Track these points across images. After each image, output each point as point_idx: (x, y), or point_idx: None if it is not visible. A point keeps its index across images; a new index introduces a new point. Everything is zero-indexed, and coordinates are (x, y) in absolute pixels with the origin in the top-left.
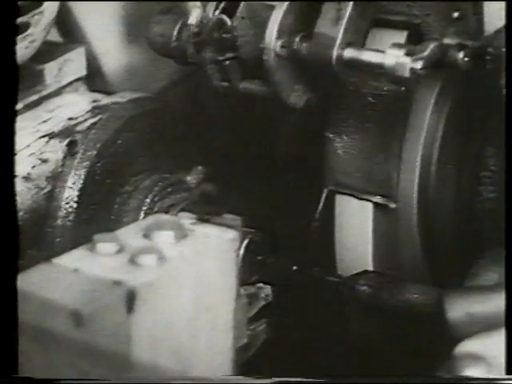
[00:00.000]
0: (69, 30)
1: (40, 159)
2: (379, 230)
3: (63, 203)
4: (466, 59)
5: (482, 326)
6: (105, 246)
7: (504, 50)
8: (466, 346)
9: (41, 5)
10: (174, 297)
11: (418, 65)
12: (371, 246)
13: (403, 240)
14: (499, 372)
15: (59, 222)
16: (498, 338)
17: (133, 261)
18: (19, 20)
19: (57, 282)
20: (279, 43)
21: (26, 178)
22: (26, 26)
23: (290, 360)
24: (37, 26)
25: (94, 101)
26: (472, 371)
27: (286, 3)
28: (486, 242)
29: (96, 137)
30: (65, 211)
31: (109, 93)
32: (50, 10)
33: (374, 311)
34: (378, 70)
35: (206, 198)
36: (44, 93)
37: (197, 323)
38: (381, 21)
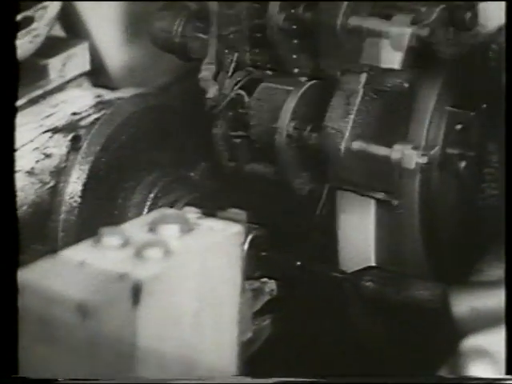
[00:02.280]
0: (72, 26)
1: (44, 154)
2: (381, 226)
3: (67, 198)
4: (467, 168)
5: (487, 321)
6: (110, 239)
7: (504, 46)
8: (471, 341)
9: (44, 0)
10: (179, 290)
11: (424, 160)
12: (374, 242)
13: (405, 236)
14: (503, 367)
15: (63, 216)
16: (503, 333)
17: (138, 254)
18: (23, 15)
19: (63, 274)
20: (292, 125)
21: (30, 173)
22: (30, 20)
23: (294, 354)
24: (40, 20)
25: (98, 96)
26: (477, 366)
27: (303, 89)
28: (489, 238)
29: (100, 132)
30: (68, 206)
31: (112, 88)
32: (53, 5)
33: (377, 307)
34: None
35: (210, 193)
36: (48, 88)
37: (202, 316)
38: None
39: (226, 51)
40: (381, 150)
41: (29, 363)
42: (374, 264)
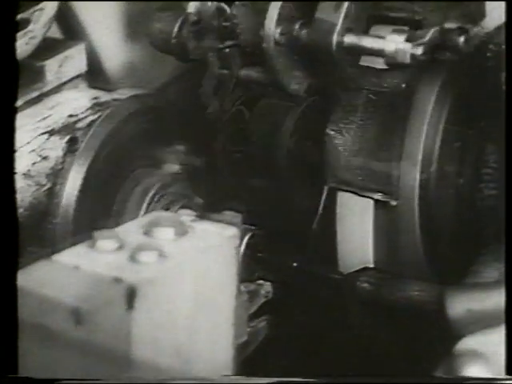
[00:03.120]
0: (69, 27)
1: (40, 156)
2: (380, 227)
3: (64, 200)
4: (468, 42)
5: (483, 323)
6: (105, 242)
7: (504, 46)
8: (467, 343)
9: (41, 1)
10: (174, 293)
11: (419, 50)
12: (372, 243)
13: (404, 237)
14: (499, 369)
15: (59, 219)
16: (499, 335)
17: (133, 257)
18: (20, 16)
19: (57, 278)
20: (279, 30)
21: (26, 175)
22: (27, 22)
23: (290, 357)
24: (37, 22)
25: (95, 98)
26: (472, 368)
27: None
28: (487, 239)
29: (96, 134)
30: (65, 208)
31: (109, 89)
32: (50, 6)
33: (374, 308)
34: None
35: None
36: (44, 89)
37: (197, 320)
38: (381, 17)
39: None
40: (374, 43)
41: (28, 364)
42: (371, 265)
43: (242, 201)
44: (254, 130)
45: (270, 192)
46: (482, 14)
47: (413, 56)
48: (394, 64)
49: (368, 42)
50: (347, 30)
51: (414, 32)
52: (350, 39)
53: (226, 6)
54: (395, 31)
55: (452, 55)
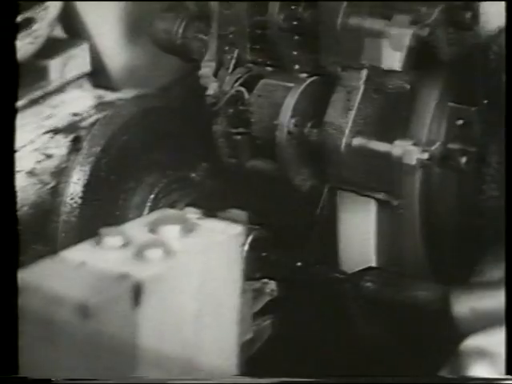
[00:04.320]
0: (73, 27)
1: (44, 155)
2: (382, 226)
3: (68, 198)
4: (469, 163)
5: (487, 322)
6: (111, 239)
7: (504, 49)
8: (471, 342)
9: (45, 1)
10: (180, 290)
11: (425, 156)
12: (374, 243)
13: (406, 236)
14: (503, 367)
15: (63, 217)
16: (503, 334)
17: (139, 254)
18: (24, 16)
19: (63, 275)
20: (293, 121)
21: (31, 174)
22: (31, 21)
23: (294, 355)
24: (41, 22)
25: (98, 97)
26: (477, 367)
27: (303, 85)
28: (490, 238)
29: (100, 133)
30: (69, 207)
31: (113, 89)
32: (54, 6)
33: (378, 307)
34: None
35: (210, 194)
36: (48, 89)
37: (202, 317)
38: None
39: (226, 48)
40: (381, 146)
41: (29, 363)
42: (374, 264)
43: (246, 194)
44: (253, 111)
45: (270, 176)
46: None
47: (419, 160)
48: (400, 165)
49: (375, 145)
50: (356, 132)
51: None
52: (358, 142)
53: (245, 91)
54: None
55: (452, 169)
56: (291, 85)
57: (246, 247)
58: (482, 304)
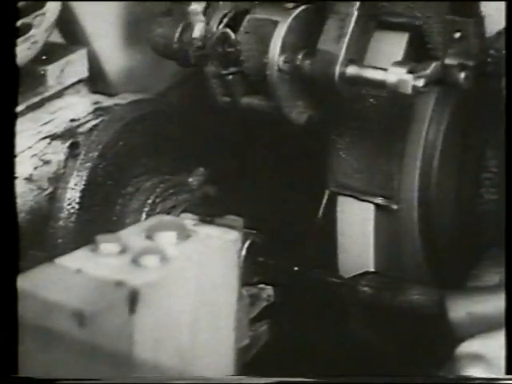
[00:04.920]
0: (71, 32)
1: (42, 160)
2: (381, 231)
3: (65, 204)
4: (467, 79)
5: (483, 327)
6: (107, 246)
7: (504, 52)
8: (468, 347)
9: (43, 6)
10: (176, 297)
11: (420, 82)
12: (372, 247)
13: (404, 241)
14: (500, 372)
15: (61, 223)
16: (499, 339)
17: (135, 261)
18: (21, 21)
19: (59, 282)
20: (282, 58)
21: (28, 179)
22: (28, 27)
23: (291, 361)
24: (39, 27)
25: (96, 102)
26: (473, 371)
27: (290, 19)
28: (487, 243)
29: (98, 138)
30: (67, 212)
31: (110, 94)
32: (51, 11)
33: (375, 312)
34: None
35: (207, 200)
36: (46, 94)
37: (199, 324)
38: (382, 23)
39: None
40: (376, 74)
41: (27, 369)
42: (371, 269)
43: (243, 204)
44: (242, 49)
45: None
46: (483, 51)
47: (414, 87)
48: (395, 93)
49: (370, 73)
50: (349, 61)
51: (415, 64)
52: (352, 70)
53: (231, 32)
54: (397, 63)
55: (450, 86)
56: (278, 19)
57: (243, 253)
58: (479, 308)
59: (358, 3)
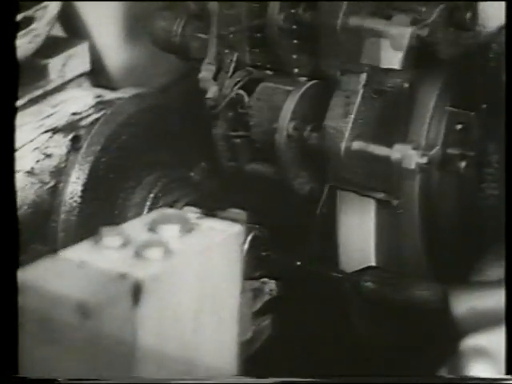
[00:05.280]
0: (72, 26)
1: (44, 154)
2: (382, 226)
3: (67, 198)
4: (468, 168)
5: (487, 321)
6: (111, 239)
7: (504, 48)
8: (471, 341)
9: (44, 0)
10: (179, 290)
11: (424, 160)
12: (374, 242)
13: (406, 236)
14: (503, 366)
15: (63, 216)
16: (503, 333)
17: (138, 254)
18: (23, 15)
19: (63, 274)
20: (292, 125)
21: (30, 173)
22: (30, 20)
23: (294, 355)
24: (40, 20)
25: (98, 96)
26: (477, 366)
27: (303, 89)
28: (490, 238)
29: (100, 132)
30: (68, 206)
31: (112, 88)
32: (53, 4)
33: (377, 307)
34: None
35: (210, 193)
36: (48, 88)
37: (202, 316)
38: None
39: (226, 51)
40: (381, 150)
41: (29, 363)
42: (373, 264)
43: (245, 195)
44: (253, 114)
45: (270, 179)
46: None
47: (418, 164)
48: (399, 169)
49: (375, 149)
50: (355, 136)
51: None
52: (357, 146)
53: (245, 94)
54: (401, 142)
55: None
56: (291, 88)
57: (246, 246)
58: (482, 303)
59: (363, 80)
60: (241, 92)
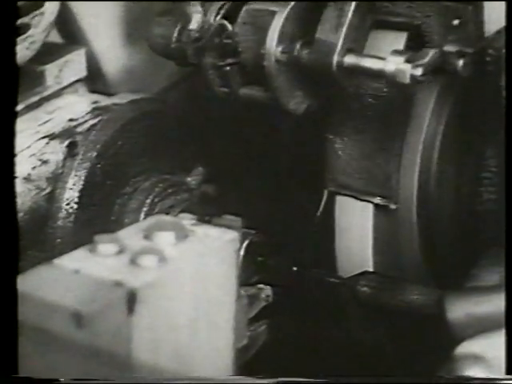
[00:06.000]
0: (69, 32)
1: (40, 160)
2: (380, 231)
3: (63, 204)
4: (466, 66)
5: (482, 327)
6: (106, 246)
7: (504, 51)
8: (467, 347)
9: (41, 6)
10: (175, 297)
11: (418, 71)
12: (371, 247)
13: (403, 241)
14: (499, 372)
15: (59, 223)
16: (498, 339)
17: (133, 261)
18: (20, 21)
19: (57, 282)
20: (280, 49)
21: (27, 179)
22: (27, 27)
23: (290, 361)
24: (37, 27)
25: (94, 102)
26: (472, 371)
27: (288, 9)
28: (487, 243)
29: (96, 138)
30: (65, 212)
31: (109, 94)
32: (50, 11)
33: (374, 312)
34: (378, 76)
35: (206, 199)
36: (44, 94)
37: (197, 324)
38: (381, 22)
39: None
40: (374, 63)
41: (26, 370)
42: (370, 269)
43: (241, 204)
44: (240, 40)
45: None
46: (481, 38)
47: (412, 76)
48: (394, 83)
49: (368, 62)
50: (347, 50)
51: (413, 53)
52: (350, 59)
53: (228, 24)
54: (395, 52)
55: (449, 74)
56: (276, 9)
57: (242, 252)
58: (478, 309)
59: None
60: (223, 22)
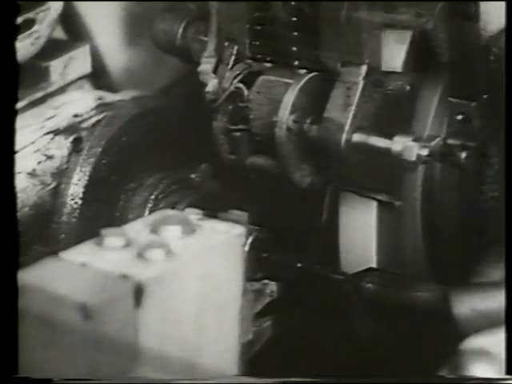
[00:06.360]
0: (74, 28)
1: (45, 155)
2: (383, 227)
3: (68, 199)
4: (469, 159)
5: (487, 322)
6: (112, 240)
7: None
8: (472, 342)
9: (46, 2)
10: (181, 291)
11: (425, 152)
12: (375, 244)
13: (407, 237)
14: (503, 367)
15: (64, 218)
16: (503, 334)
17: (140, 255)
18: (24, 17)
19: (64, 276)
20: (292, 117)
21: (31, 174)
22: (31, 23)
23: (294, 356)
24: (42, 23)
25: (99, 98)
26: (478, 367)
27: (303, 82)
28: (490, 239)
29: (101, 134)
30: (70, 207)
31: (113, 90)
32: (55, 7)
33: (378, 308)
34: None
35: (211, 195)
36: (49, 90)
37: (203, 318)
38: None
39: (226, 44)
40: (381, 142)
41: (29, 364)
42: (374, 265)
43: (246, 194)
44: (252, 107)
45: (270, 173)
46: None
47: (418, 156)
48: (399, 161)
49: (375, 141)
50: (356, 128)
51: (419, 136)
52: (358, 138)
53: (244, 88)
54: (402, 134)
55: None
56: (290, 81)
57: (247, 248)
58: (482, 304)
59: (364, 72)
60: (240, 85)
